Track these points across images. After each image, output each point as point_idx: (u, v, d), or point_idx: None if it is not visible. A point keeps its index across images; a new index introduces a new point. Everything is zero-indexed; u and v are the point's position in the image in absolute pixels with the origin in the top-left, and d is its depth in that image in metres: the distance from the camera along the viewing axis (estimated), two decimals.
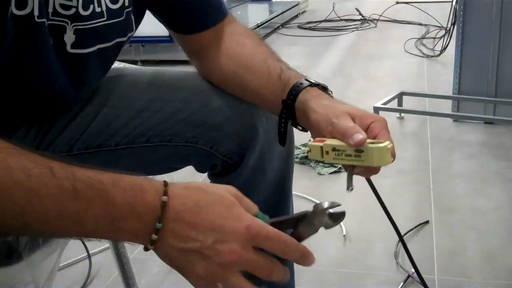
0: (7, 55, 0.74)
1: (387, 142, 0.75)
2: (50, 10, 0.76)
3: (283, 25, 5.40)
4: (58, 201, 0.59)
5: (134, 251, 1.57)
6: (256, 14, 5.44)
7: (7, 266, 0.76)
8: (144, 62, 4.05)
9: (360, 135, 0.74)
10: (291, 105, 0.86)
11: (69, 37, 0.80)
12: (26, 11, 0.71)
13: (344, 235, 1.72)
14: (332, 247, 1.68)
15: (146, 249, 0.64)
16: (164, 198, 0.61)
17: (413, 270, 1.50)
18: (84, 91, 0.92)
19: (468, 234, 1.72)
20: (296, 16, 5.88)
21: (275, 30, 5.16)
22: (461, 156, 2.30)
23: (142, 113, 0.96)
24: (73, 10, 0.78)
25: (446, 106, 2.78)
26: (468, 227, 1.76)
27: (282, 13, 5.36)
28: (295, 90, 0.85)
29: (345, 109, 0.80)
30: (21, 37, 0.73)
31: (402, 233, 1.69)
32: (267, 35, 4.90)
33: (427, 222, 1.76)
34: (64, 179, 0.59)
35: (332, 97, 0.86)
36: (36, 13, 0.72)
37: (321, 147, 0.77)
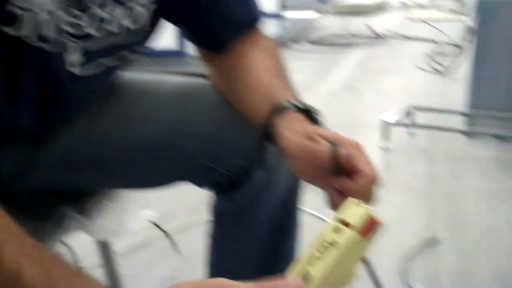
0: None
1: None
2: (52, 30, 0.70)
3: (293, 40, 5.39)
4: None
5: None
6: (266, 29, 5.44)
7: None
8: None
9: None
10: (266, 127, 0.80)
11: (75, 57, 0.75)
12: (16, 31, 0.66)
13: None
14: None
15: None
16: None
17: None
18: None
19: (479, 252, 1.68)
20: (307, 31, 5.87)
21: (284, 45, 5.15)
22: (473, 173, 2.26)
23: (141, 124, 0.91)
24: (83, 31, 0.73)
25: (458, 123, 2.74)
26: (479, 245, 1.72)
27: (292, 28, 5.35)
28: (274, 112, 0.79)
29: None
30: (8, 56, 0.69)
31: (409, 250, 1.66)
32: None
33: (436, 239, 1.72)
34: None
35: (318, 122, 0.79)
36: (24, 32, 0.67)
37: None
